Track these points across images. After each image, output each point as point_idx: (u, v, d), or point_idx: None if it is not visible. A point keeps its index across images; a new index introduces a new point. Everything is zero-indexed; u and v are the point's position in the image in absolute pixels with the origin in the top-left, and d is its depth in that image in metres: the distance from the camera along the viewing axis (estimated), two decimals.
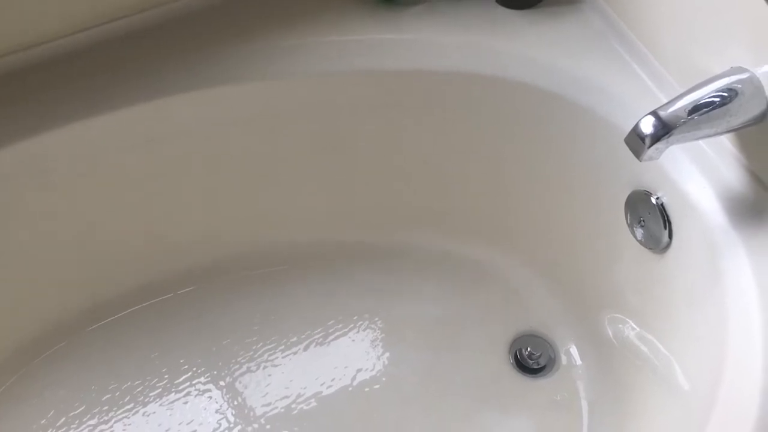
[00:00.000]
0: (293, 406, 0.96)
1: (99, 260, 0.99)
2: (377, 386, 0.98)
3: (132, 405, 0.96)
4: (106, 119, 0.86)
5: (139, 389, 0.98)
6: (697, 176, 0.75)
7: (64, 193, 0.91)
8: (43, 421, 0.95)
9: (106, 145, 0.89)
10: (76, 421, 0.95)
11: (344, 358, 1.00)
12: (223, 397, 0.97)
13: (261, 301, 1.04)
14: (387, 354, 1.01)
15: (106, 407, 0.96)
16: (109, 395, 0.97)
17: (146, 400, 0.97)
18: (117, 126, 0.87)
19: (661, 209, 0.79)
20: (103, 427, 0.95)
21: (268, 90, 0.91)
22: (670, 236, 0.79)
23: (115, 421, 0.95)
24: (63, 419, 0.95)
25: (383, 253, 1.07)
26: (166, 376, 0.99)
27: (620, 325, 0.93)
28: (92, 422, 0.95)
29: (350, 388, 0.98)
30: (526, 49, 0.88)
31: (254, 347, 1.01)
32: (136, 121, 0.88)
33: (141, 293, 1.03)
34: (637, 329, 0.90)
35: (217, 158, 0.96)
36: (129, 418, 0.96)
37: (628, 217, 0.84)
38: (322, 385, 0.98)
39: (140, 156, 0.92)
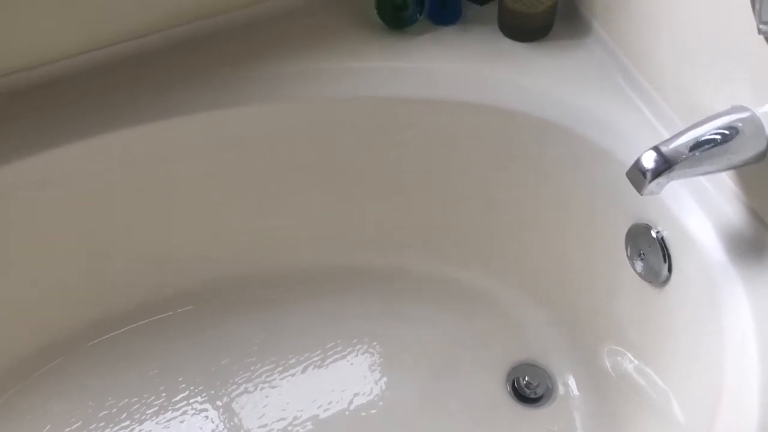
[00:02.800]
0: (290, 428, 0.96)
1: (99, 277, 0.99)
2: (374, 411, 0.98)
3: (128, 422, 0.96)
4: (111, 138, 0.87)
5: (136, 406, 0.98)
6: (698, 212, 0.76)
7: (68, 210, 0.92)
8: None
9: (110, 164, 0.90)
10: None
11: (342, 381, 1.00)
12: (219, 417, 0.97)
13: (260, 322, 1.05)
14: (384, 378, 1.01)
15: (102, 423, 0.96)
16: (106, 411, 0.97)
17: (143, 417, 0.97)
18: (121, 145, 0.88)
19: (662, 243, 0.79)
20: None
21: (272, 113, 0.92)
22: (670, 270, 0.80)
23: None
24: None
25: (384, 277, 1.07)
26: (164, 394, 0.99)
27: (618, 358, 0.93)
28: None
29: (347, 412, 0.98)
30: (530, 81, 0.89)
31: (252, 368, 1.01)
32: (141, 140, 0.89)
33: (141, 311, 1.03)
34: (635, 362, 0.90)
35: (219, 179, 0.97)
36: None
37: (629, 250, 0.85)
38: (319, 408, 0.98)
39: (144, 175, 0.93)
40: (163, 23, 0.93)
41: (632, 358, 0.90)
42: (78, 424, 0.96)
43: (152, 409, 0.97)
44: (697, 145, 0.67)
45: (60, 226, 0.93)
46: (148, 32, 0.93)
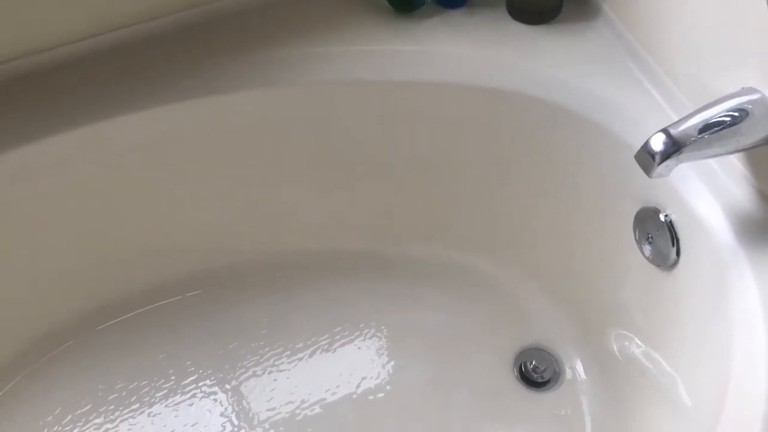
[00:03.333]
0: (297, 411, 0.97)
1: (107, 261, 1.00)
2: (381, 395, 0.98)
3: (138, 405, 0.97)
4: (115, 122, 0.87)
5: (145, 390, 0.98)
6: (706, 194, 0.75)
7: (73, 195, 0.92)
8: (49, 419, 0.96)
9: (116, 149, 0.90)
10: (82, 419, 0.96)
11: (349, 365, 1.01)
12: (228, 401, 0.98)
13: (268, 306, 1.05)
14: (392, 362, 1.01)
15: (112, 407, 0.97)
16: (116, 395, 0.98)
17: (152, 400, 0.98)
18: (125, 130, 0.88)
19: (670, 227, 0.79)
20: (108, 426, 0.96)
21: (278, 97, 0.92)
22: (678, 254, 0.79)
23: (121, 421, 0.96)
24: (69, 417, 0.96)
25: (392, 263, 1.07)
26: (173, 378, 0.99)
27: (626, 342, 0.93)
28: (98, 421, 0.96)
29: (354, 396, 0.98)
30: (538, 64, 0.88)
31: (260, 352, 1.02)
32: (146, 126, 0.89)
33: (149, 295, 1.04)
34: (643, 346, 0.90)
35: (225, 164, 0.97)
36: (134, 418, 0.96)
37: (637, 234, 0.84)
38: (326, 391, 0.99)
39: (150, 160, 0.93)
40: (167, 7, 0.93)
41: (639, 342, 0.90)
42: (88, 407, 0.97)
43: (161, 393, 0.98)
44: (707, 128, 0.66)
45: (66, 212, 0.93)
46: (153, 16, 0.93)
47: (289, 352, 1.02)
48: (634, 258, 0.85)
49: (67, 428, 0.95)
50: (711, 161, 0.77)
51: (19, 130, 0.86)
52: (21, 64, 0.90)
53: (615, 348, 0.95)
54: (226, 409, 0.97)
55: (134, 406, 0.97)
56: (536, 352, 1.01)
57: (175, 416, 0.97)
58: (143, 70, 0.90)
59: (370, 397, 0.98)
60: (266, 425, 0.96)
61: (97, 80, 0.89)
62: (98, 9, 0.90)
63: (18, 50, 0.89)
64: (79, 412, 0.97)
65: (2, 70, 0.89)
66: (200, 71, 0.90)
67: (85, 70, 0.90)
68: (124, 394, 0.98)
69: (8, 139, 0.85)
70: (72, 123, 0.86)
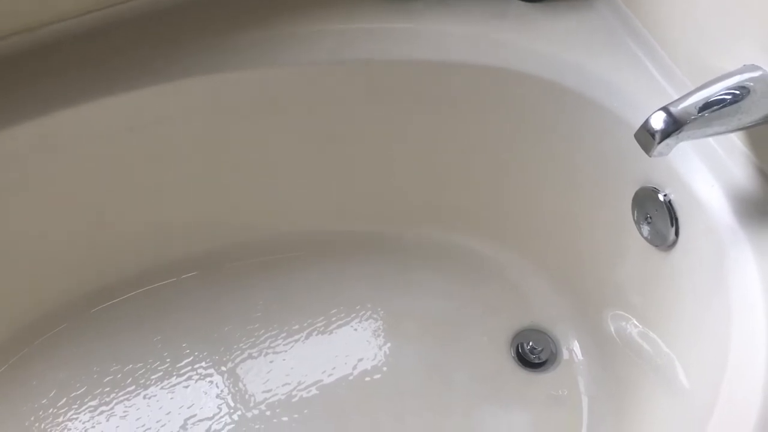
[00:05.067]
0: (294, 393, 0.97)
1: (102, 244, 0.99)
2: (378, 376, 0.98)
3: (133, 387, 0.97)
4: (110, 102, 0.86)
5: (140, 372, 0.98)
6: (706, 174, 0.75)
7: (69, 175, 0.91)
8: (44, 401, 0.96)
9: (109, 129, 0.89)
10: (78, 402, 0.96)
11: (345, 347, 1.00)
12: (224, 382, 0.98)
13: (263, 289, 1.05)
14: (388, 344, 1.01)
15: (107, 389, 0.97)
16: (111, 377, 0.97)
17: (147, 382, 0.97)
18: (120, 109, 0.87)
19: (669, 206, 0.79)
20: (103, 408, 0.95)
21: (274, 77, 0.90)
22: (677, 234, 0.79)
23: (116, 403, 0.96)
24: (64, 399, 0.96)
25: (387, 245, 1.07)
26: (168, 360, 0.99)
27: (623, 323, 0.93)
28: (93, 403, 0.96)
29: (351, 378, 0.98)
30: (538, 42, 0.87)
31: (256, 334, 1.01)
32: (140, 104, 0.88)
33: (144, 277, 1.03)
34: (640, 327, 0.89)
35: (220, 145, 0.96)
36: (130, 400, 0.96)
37: (635, 214, 0.84)
38: (323, 373, 0.98)
39: (146, 140, 0.92)
40: None
41: (637, 323, 0.90)
42: (83, 389, 0.97)
43: (157, 375, 0.98)
44: (707, 106, 0.65)
45: (62, 192, 0.92)
46: None
47: (284, 334, 1.01)
48: (633, 238, 0.84)
49: (62, 410, 0.95)
50: (711, 140, 0.76)
51: (13, 109, 0.84)
52: (16, 41, 0.88)
53: (612, 329, 0.95)
54: (222, 390, 0.97)
55: (129, 388, 0.97)
56: (533, 333, 1.01)
57: (171, 398, 0.96)
58: (139, 48, 0.88)
59: (367, 379, 0.98)
60: (262, 407, 0.96)
61: (93, 58, 0.88)
62: None
63: (13, 27, 0.88)
64: (74, 394, 0.96)
65: None
66: (196, 50, 0.88)
67: (81, 48, 0.88)
68: (119, 376, 0.98)
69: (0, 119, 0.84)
70: (67, 102, 0.85)
